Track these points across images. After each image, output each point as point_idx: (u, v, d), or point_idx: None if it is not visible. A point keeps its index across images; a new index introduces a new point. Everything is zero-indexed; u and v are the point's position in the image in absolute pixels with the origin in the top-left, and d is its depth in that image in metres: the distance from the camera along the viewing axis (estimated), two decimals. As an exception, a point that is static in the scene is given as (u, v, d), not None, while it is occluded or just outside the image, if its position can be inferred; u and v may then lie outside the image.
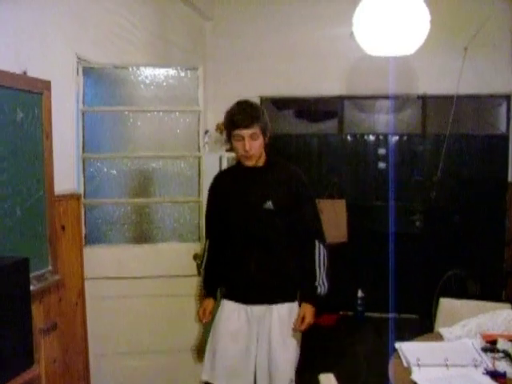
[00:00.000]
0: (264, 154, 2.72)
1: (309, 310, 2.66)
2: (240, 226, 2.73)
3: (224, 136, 2.86)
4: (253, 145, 2.59)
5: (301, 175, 2.81)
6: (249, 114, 2.58)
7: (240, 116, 2.57)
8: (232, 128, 2.60)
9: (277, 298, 2.72)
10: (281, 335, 2.69)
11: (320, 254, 2.70)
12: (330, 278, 2.72)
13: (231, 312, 2.76)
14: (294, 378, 2.72)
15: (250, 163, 2.66)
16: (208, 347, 2.83)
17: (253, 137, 2.58)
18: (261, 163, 2.71)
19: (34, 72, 2.66)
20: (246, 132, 2.56)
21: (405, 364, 2.13)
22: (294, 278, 2.74)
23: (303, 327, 2.66)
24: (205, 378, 2.78)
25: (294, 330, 2.69)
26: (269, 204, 2.64)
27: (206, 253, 2.95)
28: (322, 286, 2.69)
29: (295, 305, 2.76)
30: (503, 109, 5.51)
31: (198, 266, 3.23)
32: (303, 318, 2.65)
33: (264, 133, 2.64)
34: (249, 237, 2.71)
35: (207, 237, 2.96)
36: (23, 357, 2.13)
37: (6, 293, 2.02)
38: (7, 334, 2.02)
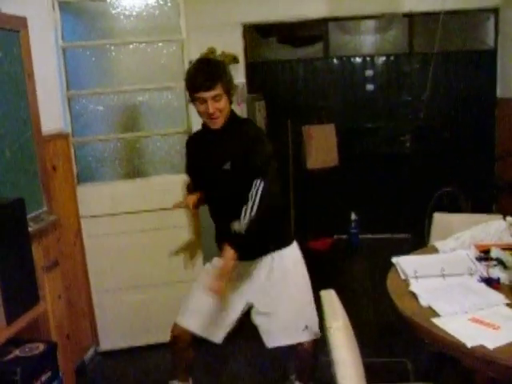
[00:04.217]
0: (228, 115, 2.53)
1: (226, 254, 2.33)
2: (207, 188, 2.66)
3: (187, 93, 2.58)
4: (216, 106, 2.42)
5: (257, 134, 2.58)
6: (209, 75, 2.40)
7: (200, 78, 2.40)
8: (193, 91, 2.44)
9: (259, 253, 2.58)
10: (275, 285, 2.56)
11: (254, 188, 2.37)
12: (277, 214, 2.47)
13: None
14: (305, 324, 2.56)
15: (216, 126, 2.49)
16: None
17: (215, 98, 2.41)
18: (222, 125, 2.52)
19: (8, 9, 2.55)
20: (207, 95, 2.40)
21: (402, 277, 2.18)
22: (264, 231, 2.45)
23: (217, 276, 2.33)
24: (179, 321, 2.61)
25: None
26: (227, 165, 2.50)
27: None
28: (242, 222, 2.32)
29: (287, 250, 2.61)
30: (491, 23, 5.39)
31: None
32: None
33: (228, 92, 2.47)
34: (215, 197, 2.63)
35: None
36: (29, 294, 2.18)
37: (5, 233, 2.03)
38: (11, 273, 2.06)
